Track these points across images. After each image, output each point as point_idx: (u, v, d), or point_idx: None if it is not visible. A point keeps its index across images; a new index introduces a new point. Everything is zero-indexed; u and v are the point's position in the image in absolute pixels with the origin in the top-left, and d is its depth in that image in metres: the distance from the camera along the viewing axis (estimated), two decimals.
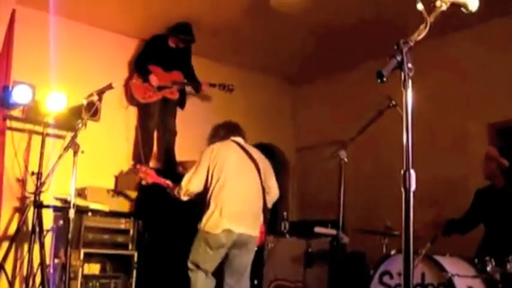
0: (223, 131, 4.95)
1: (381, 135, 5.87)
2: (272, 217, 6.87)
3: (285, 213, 6.31)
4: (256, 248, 4.69)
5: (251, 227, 4.55)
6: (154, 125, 6.79)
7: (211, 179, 4.55)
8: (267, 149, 8.44)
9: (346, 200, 6.45)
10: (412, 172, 1.71)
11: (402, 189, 1.72)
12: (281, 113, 8.54)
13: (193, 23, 6.58)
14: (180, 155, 6.88)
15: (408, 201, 1.69)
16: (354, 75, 7.58)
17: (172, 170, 6.69)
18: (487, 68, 6.23)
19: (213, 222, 4.41)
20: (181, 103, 7.01)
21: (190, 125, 7.08)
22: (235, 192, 4.53)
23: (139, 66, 6.75)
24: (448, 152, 6.37)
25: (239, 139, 4.90)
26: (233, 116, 7.45)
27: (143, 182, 5.00)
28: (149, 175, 4.88)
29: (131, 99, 6.81)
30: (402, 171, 1.72)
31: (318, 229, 5.60)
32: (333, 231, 5.06)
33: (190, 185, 4.59)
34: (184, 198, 4.64)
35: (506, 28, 6.10)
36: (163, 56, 6.77)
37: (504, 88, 6.04)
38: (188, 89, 7.10)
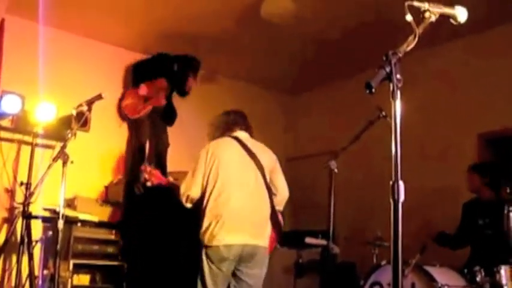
0: (223, 124, 4.49)
1: (372, 145, 5.87)
2: None
3: None
4: (267, 259, 4.22)
5: (256, 236, 4.06)
6: (147, 138, 6.76)
7: (207, 184, 4.09)
8: None
9: (338, 210, 6.45)
10: (401, 183, 1.71)
11: (391, 201, 1.71)
12: (274, 122, 8.53)
13: (190, 34, 6.58)
14: (170, 166, 6.85)
15: (397, 212, 1.68)
16: (351, 84, 7.57)
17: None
18: (477, 78, 6.25)
19: (211, 234, 3.96)
20: (170, 119, 7.00)
21: (182, 136, 7.07)
22: (234, 198, 4.02)
23: (136, 75, 6.82)
24: (437, 162, 6.38)
25: (241, 133, 4.39)
26: None
27: (148, 184, 4.61)
28: (154, 176, 4.53)
29: (125, 118, 6.83)
30: (391, 183, 1.71)
31: (308, 240, 5.59)
32: (324, 242, 5.04)
33: (191, 191, 4.14)
34: (188, 205, 4.22)
35: (497, 38, 6.13)
36: (160, 74, 6.81)
37: (494, 98, 6.06)
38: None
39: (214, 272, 3.97)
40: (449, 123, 6.41)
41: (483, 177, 5.03)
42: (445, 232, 5.19)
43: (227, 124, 4.47)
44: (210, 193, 4.06)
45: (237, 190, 4.06)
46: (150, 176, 4.50)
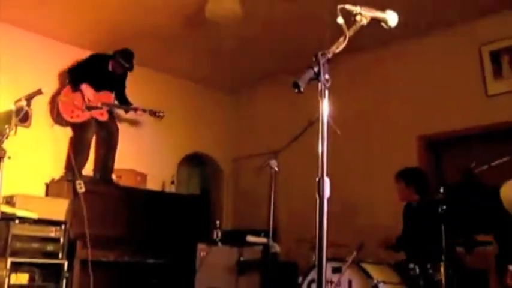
0: None
1: (315, 144, 5.96)
2: (204, 225, 6.91)
3: (217, 222, 6.33)
4: None
5: None
6: (92, 134, 6.68)
7: None
8: (199, 159, 8.49)
9: (281, 209, 6.55)
10: (327, 179, 1.76)
11: (316, 196, 1.76)
12: (219, 122, 8.56)
13: (133, 31, 6.53)
14: (116, 163, 6.82)
15: (322, 208, 1.73)
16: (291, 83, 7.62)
17: (107, 178, 6.61)
18: (417, 82, 6.41)
19: None
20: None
21: (125, 134, 7.04)
22: None
23: (73, 78, 6.61)
24: (378, 163, 6.50)
25: None
26: (170, 126, 7.50)
27: None
28: None
29: (57, 117, 6.60)
30: (317, 179, 1.77)
31: (249, 238, 5.64)
32: (264, 240, 5.10)
33: None
34: None
35: (436, 43, 6.30)
36: (98, 76, 6.69)
37: (434, 101, 6.22)
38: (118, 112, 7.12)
39: None
40: (389, 126, 6.55)
41: (407, 184, 5.10)
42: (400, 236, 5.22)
43: None
44: None
45: None
46: None
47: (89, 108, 6.53)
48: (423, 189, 5.03)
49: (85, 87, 6.55)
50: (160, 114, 6.85)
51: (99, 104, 6.60)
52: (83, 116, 6.56)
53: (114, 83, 6.86)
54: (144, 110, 6.84)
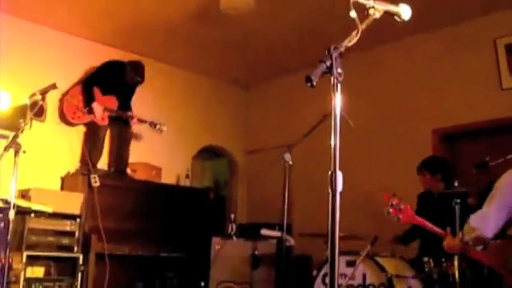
0: None
1: (329, 137, 5.94)
2: (219, 219, 6.92)
3: (232, 215, 6.34)
4: None
5: None
6: (106, 129, 6.70)
7: None
8: (214, 152, 8.51)
9: (296, 203, 6.55)
10: (339, 174, 1.75)
11: (329, 191, 1.76)
12: (232, 115, 8.58)
13: (144, 26, 6.57)
14: (130, 157, 6.85)
15: (334, 203, 1.73)
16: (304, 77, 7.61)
17: (122, 171, 6.64)
18: (432, 75, 6.38)
19: None
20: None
21: (140, 128, 7.06)
22: None
23: (87, 90, 6.59)
24: (393, 157, 6.48)
25: None
26: (184, 119, 7.52)
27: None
28: (402, 212, 4.11)
29: (62, 116, 6.62)
30: (329, 173, 1.76)
31: (264, 231, 5.64)
32: (278, 234, 5.09)
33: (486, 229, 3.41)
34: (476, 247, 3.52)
35: (451, 37, 6.27)
36: (109, 81, 6.67)
37: (448, 95, 6.19)
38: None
39: None
40: (404, 119, 6.53)
41: (433, 174, 5.04)
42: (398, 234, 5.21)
43: None
44: None
45: None
46: (397, 211, 4.16)
47: (91, 111, 6.53)
48: (449, 176, 4.95)
49: (96, 106, 6.51)
50: (161, 127, 6.66)
51: (101, 108, 6.55)
52: (83, 118, 6.56)
53: (123, 89, 6.82)
54: (142, 121, 6.74)
